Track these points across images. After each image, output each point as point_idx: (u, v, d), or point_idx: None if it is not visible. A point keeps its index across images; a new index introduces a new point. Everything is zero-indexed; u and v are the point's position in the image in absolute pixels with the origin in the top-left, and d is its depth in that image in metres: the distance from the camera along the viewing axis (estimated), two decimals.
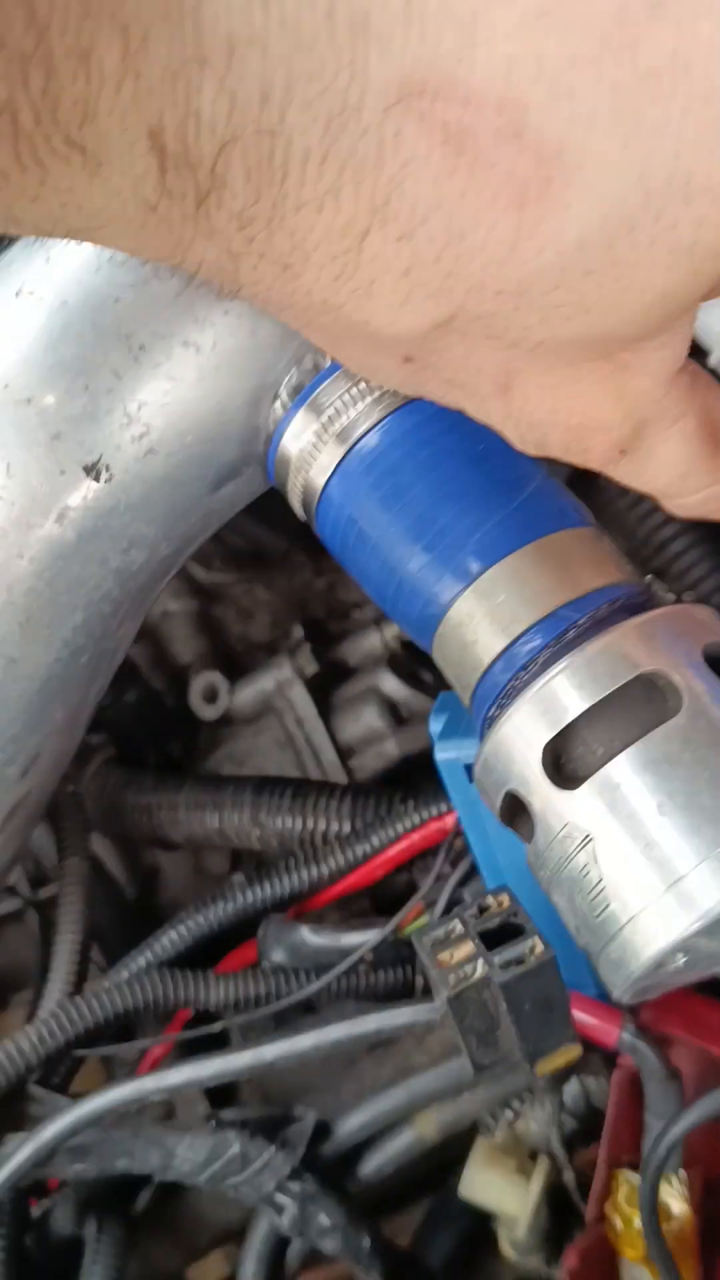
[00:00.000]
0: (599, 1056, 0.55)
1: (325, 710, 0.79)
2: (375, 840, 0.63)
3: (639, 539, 0.80)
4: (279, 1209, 0.57)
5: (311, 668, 0.79)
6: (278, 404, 0.46)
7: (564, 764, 0.39)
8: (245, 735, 0.81)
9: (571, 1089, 0.57)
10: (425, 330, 0.30)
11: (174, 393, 0.44)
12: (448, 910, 0.60)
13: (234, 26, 0.25)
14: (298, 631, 0.82)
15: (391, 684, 0.79)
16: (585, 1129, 0.57)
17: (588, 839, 0.37)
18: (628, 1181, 0.54)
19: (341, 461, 0.45)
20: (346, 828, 0.68)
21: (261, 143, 0.26)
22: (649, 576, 0.46)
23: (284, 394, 0.46)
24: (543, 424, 0.35)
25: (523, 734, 0.39)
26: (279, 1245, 0.60)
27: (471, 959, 0.47)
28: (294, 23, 0.25)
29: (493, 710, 0.42)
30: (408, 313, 0.30)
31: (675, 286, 0.29)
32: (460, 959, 0.47)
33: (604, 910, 0.37)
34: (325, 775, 0.78)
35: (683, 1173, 0.53)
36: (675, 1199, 0.52)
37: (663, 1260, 0.51)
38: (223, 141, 0.26)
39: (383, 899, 0.73)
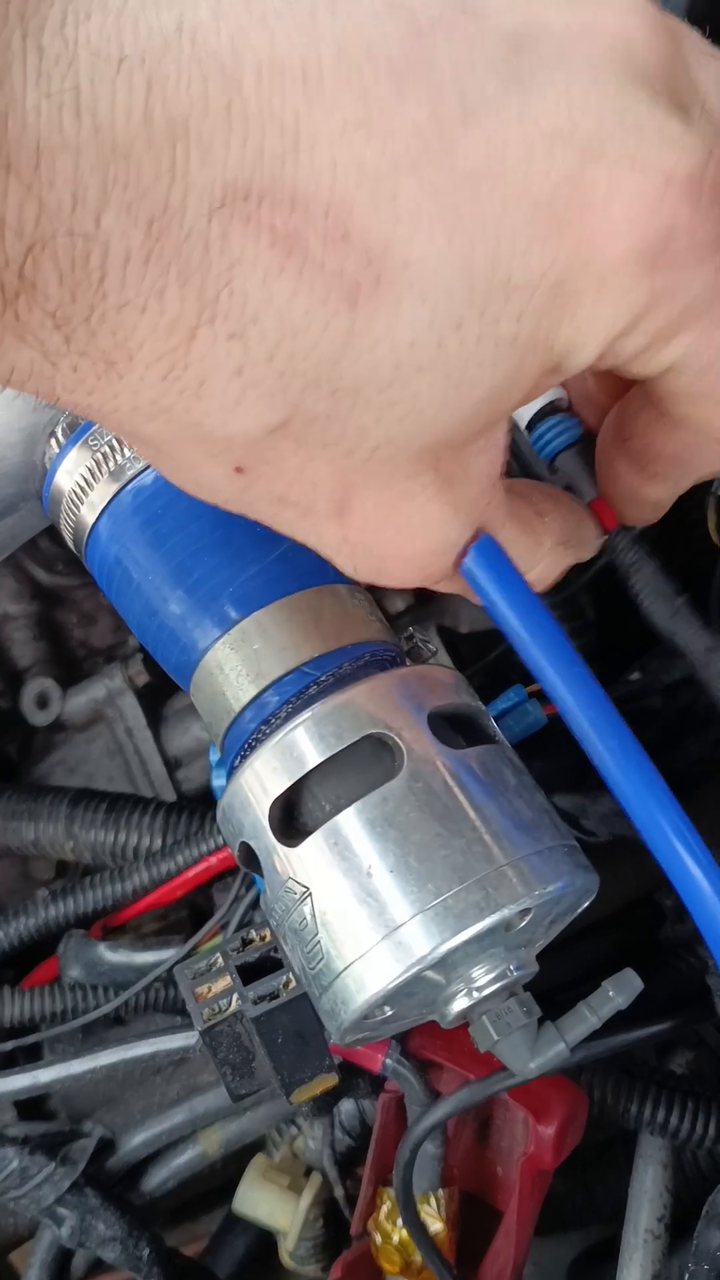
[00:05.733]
0: (366, 1080, 0.57)
1: (156, 721, 0.80)
2: (179, 859, 0.64)
3: None
4: (59, 1221, 0.58)
5: (143, 677, 0.80)
6: (53, 440, 0.46)
7: (297, 817, 0.41)
8: (77, 742, 0.82)
9: (348, 1108, 0.59)
10: (260, 433, 0.30)
11: None
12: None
13: (43, 133, 0.25)
14: (133, 640, 0.82)
15: None
16: (362, 1147, 0.59)
17: (307, 893, 0.39)
18: (391, 1199, 0.56)
19: (111, 501, 0.45)
20: (158, 843, 0.68)
21: (75, 245, 0.26)
22: (410, 630, 0.48)
23: (59, 431, 0.47)
24: (382, 553, 0.34)
25: (256, 786, 0.40)
26: (64, 1254, 0.61)
27: (228, 992, 0.48)
28: (109, 129, 0.25)
29: (235, 760, 0.43)
30: (241, 413, 0.29)
31: (502, 381, 0.30)
32: (218, 992, 0.48)
33: (319, 962, 0.39)
34: (153, 786, 0.79)
35: (441, 1191, 0.55)
36: (432, 1217, 0.54)
37: (426, 1250, 0.52)
38: (29, 245, 0.26)
39: (204, 907, 0.74)
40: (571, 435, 0.49)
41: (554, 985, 0.57)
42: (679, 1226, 0.55)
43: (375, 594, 0.86)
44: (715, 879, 0.35)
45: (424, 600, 0.84)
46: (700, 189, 0.28)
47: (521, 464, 0.53)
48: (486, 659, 0.75)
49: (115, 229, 0.26)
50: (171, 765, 0.79)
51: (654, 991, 0.61)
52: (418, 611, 0.83)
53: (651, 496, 0.39)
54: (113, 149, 0.25)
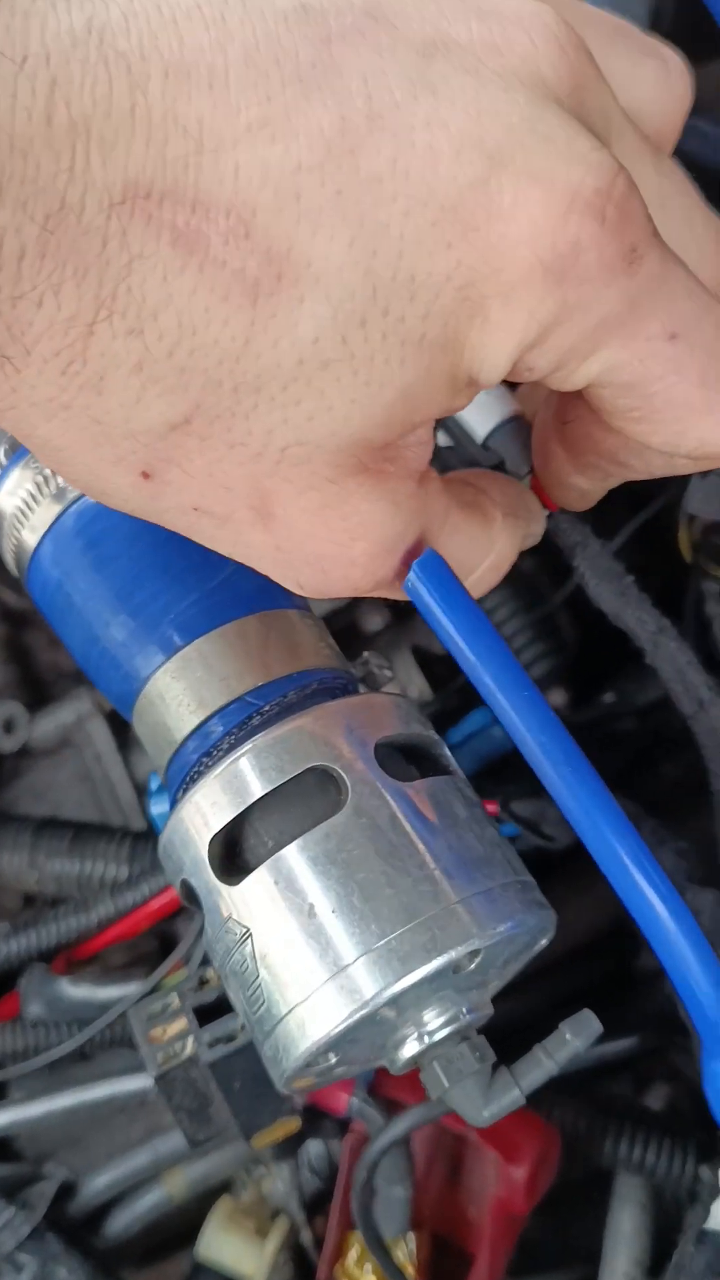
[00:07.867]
0: (332, 1121, 0.55)
1: (125, 746, 0.78)
2: (144, 889, 0.63)
3: None
4: (19, 1268, 0.56)
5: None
6: None
7: (239, 853, 0.39)
8: (45, 768, 0.80)
9: (316, 1149, 0.57)
10: (162, 429, 0.29)
11: None
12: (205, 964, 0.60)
13: None
14: None
15: None
16: (332, 1189, 0.57)
17: (247, 934, 0.37)
18: (359, 1243, 0.54)
19: (54, 524, 0.44)
20: (124, 873, 0.67)
21: None
22: (365, 655, 0.46)
23: (1, 451, 0.45)
24: (322, 560, 0.32)
25: (198, 820, 0.39)
26: None
27: (184, 1035, 0.46)
28: (7, 127, 0.25)
29: (178, 793, 0.41)
30: (142, 410, 0.29)
31: (412, 382, 0.29)
32: (173, 1034, 0.47)
33: (261, 1007, 0.37)
34: (123, 812, 0.77)
35: (411, 1235, 0.53)
36: (402, 1265, 0.52)
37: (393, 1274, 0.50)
38: None
39: (173, 938, 0.72)
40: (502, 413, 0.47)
41: (526, 1017, 0.55)
42: (656, 1266, 0.53)
43: (350, 614, 0.84)
44: (673, 904, 0.33)
45: (400, 620, 0.83)
46: (606, 207, 0.28)
47: (455, 443, 0.51)
48: (459, 680, 0.73)
49: (10, 224, 0.26)
50: (141, 791, 0.77)
51: (627, 1019, 0.59)
52: (393, 631, 0.81)
53: (580, 485, 0.38)
54: (10, 147, 0.25)
